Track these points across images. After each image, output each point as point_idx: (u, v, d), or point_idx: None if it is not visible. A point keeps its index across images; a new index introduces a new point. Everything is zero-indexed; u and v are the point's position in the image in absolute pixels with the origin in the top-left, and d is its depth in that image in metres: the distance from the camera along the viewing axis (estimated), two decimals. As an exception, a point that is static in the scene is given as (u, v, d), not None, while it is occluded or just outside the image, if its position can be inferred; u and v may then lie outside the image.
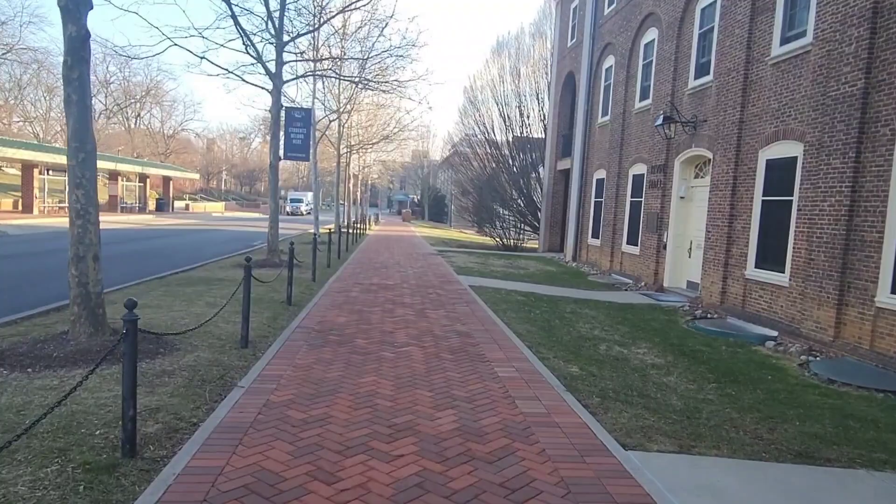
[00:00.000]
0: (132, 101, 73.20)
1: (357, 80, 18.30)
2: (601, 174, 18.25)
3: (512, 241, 26.31)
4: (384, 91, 18.08)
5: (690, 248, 12.95)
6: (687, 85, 12.85)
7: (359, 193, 48.05)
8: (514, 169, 28.52)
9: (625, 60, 16.43)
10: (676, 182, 13.24)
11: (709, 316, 10.69)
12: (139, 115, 76.73)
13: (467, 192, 31.47)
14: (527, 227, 27.81)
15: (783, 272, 9.31)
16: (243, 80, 13.35)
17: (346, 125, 26.38)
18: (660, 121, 12.48)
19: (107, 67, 74.61)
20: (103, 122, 69.49)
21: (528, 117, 29.28)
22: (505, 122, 29.81)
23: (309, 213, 57.78)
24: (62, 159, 34.59)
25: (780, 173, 9.62)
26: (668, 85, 13.58)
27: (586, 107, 19.47)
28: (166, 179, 50.86)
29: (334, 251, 16.89)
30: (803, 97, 8.99)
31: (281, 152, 17.69)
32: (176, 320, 7.40)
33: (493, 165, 30.03)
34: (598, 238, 18.18)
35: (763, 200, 10.02)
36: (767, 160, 9.93)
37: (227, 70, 12.70)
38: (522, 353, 6.66)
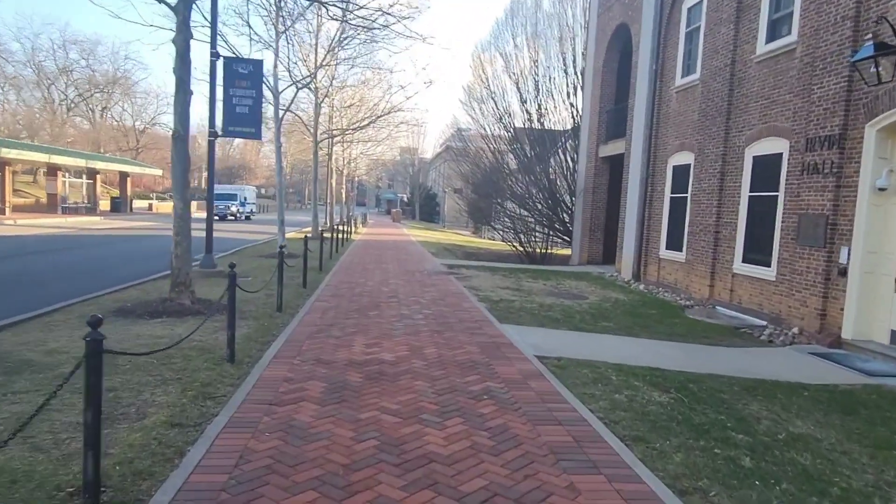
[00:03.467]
0: (96, 90, 66.60)
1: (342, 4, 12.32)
2: (683, 158, 12.82)
3: (538, 249, 20.77)
4: (377, 27, 12.32)
5: (902, 277, 7.55)
6: (897, -6, 7.42)
7: (344, 191, 42.28)
8: (534, 158, 22.98)
9: (732, -14, 10.99)
10: (869, 163, 7.82)
11: None
12: (105, 107, 70.15)
13: (473, 188, 25.82)
14: (550, 231, 22.25)
15: None
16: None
17: (322, 101, 20.63)
18: (868, 52, 7.01)
19: (66, 54, 68.42)
20: (62, 113, 63.07)
21: (550, 95, 23.77)
22: (521, 102, 24.22)
23: (249, 218, 45.53)
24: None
25: None
26: (848, 3, 8.14)
27: (654, 66, 14.02)
28: (123, 175, 44.63)
29: (301, 273, 11.33)
30: None
31: (218, 125, 12.08)
32: None
33: (509, 157, 24.53)
34: (679, 250, 12.74)
35: None
36: None
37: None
38: None
